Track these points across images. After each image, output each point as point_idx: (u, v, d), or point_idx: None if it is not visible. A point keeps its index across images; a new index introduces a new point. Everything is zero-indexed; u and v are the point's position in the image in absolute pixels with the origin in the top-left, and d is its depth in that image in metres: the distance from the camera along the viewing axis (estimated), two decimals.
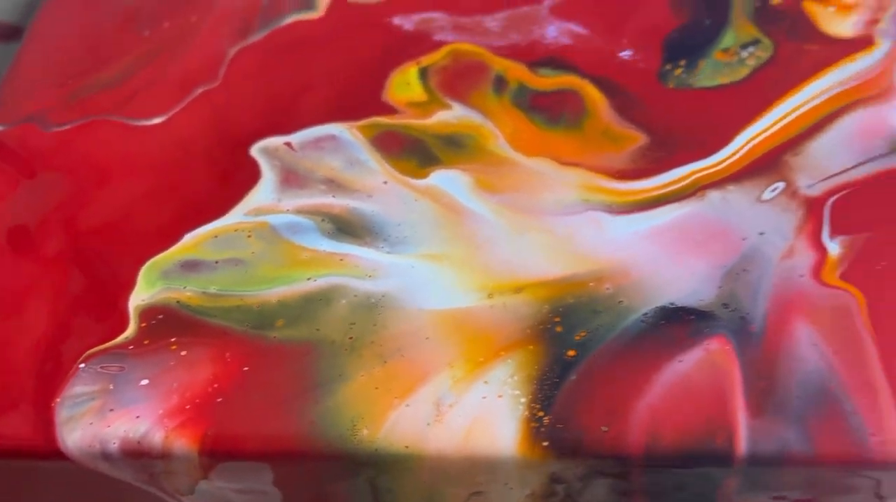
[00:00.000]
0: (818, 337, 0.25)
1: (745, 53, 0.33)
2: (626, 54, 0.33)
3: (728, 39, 0.34)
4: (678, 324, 0.25)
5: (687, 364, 0.24)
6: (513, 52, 0.33)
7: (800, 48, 0.33)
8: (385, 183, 0.29)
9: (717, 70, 0.32)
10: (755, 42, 0.33)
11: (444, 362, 0.24)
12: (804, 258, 0.26)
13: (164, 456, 0.23)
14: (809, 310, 0.25)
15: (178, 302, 0.26)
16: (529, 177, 0.29)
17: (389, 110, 0.31)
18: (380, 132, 0.30)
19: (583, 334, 0.25)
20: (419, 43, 0.33)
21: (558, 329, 0.25)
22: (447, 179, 0.29)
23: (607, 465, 0.23)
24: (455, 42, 0.33)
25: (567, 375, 0.24)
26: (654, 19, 0.34)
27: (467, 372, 0.24)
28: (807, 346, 0.24)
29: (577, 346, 0.24)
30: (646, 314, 0.25)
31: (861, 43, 0.33)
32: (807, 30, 0.34)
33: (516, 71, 0.32)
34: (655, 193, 0.28)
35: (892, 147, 0.29)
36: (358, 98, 0.31)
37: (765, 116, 0.31)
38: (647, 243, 0.27)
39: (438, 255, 0.27)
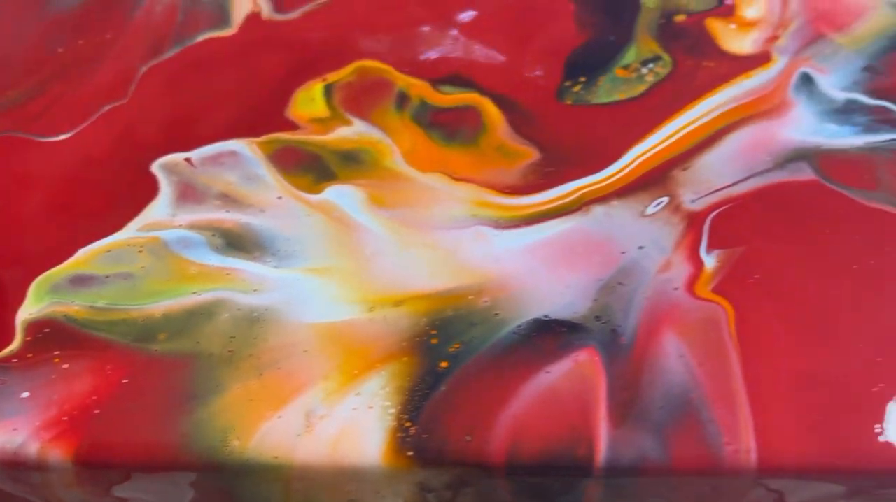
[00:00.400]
0: (685, 348, 0.25)
1: (644, 70, 0.34)
2: (530, 73, 0.34)
3: (630, 56, 0.34)
4: (550, 336, 0.26)
5: (554, 375, 0.25)
6: (418, 70, 0.34)
7: (698, 64, 0.34)
8: (279, 198, 0.29)
9: (615, 86, 0.33)
10: (656, 58, 0.34)
11: (320, 374, 0.25)
12: (680, 271, 0.27)
13: (40, 466, 0.24)
14: (680, 323, 0.26)
15: (65, 315, 0.26)
16: (422, 193, 0.30)
17: (291, 126, 0.32)
18: (279, 148, 0.31)
19: (456, 346, 0.25)
20: (328, 59, 0.34)
21: (434, 341, 0.26)
22: (341, 194, 0.29)
23: (471, 474, 0.24)
24: (363, 59, 0.34)
25: (437, 386, 0.25)
26: (558, 37, 0.35)
27: (341, 383, 0.25)
28: (674, 358, 0.25)
29: (449, 358, 0.25)
30: (519, 326, 0.26)
31: (759, 59, 0.34)
32: (707, 46, 0.35)
33: (419, 88, 0.33)
34: (541, 208, 0.29)
35: (777, 162, 0.30)
36: (262, 114, 0.32)
37: (657, 132, 0.31)
38: (529, 257, 0.28)
39: (324, 269, 0.27)
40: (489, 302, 0.26)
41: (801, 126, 0.32)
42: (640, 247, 0.28)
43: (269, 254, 0.28)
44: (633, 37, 0.35)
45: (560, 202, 0.29)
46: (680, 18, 0.36)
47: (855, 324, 0.26)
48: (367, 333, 0.26)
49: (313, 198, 0.29)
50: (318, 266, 0.27)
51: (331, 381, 0.25)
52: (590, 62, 0.34)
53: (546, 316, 0.26)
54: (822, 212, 0.29)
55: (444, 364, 0.25)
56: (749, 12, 0.36)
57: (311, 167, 0.30)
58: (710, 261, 0.27)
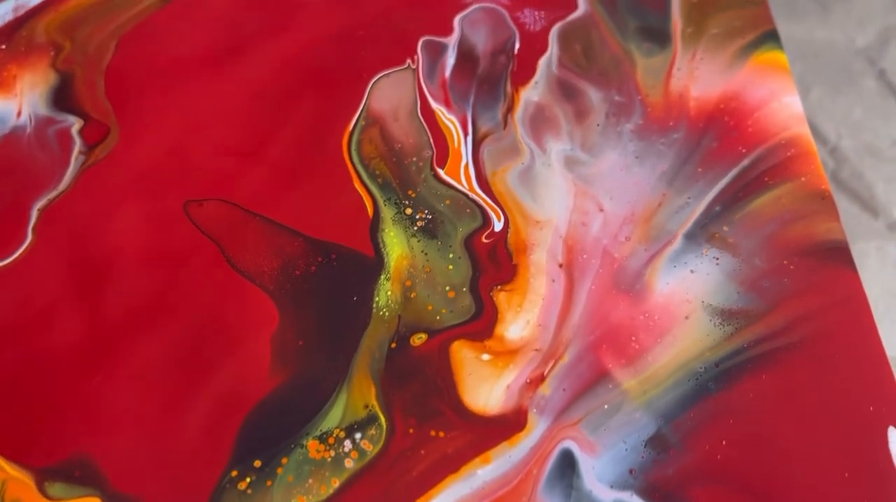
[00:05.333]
0: None
1: (348, 444, 0.24)
2: (185, 457, 0.24)
3: (333, 417, 0.25)
4: None
5: None
6: (28, 451, 0.24)
7: (423, 435, 0.25)
8: None
9: (299, 479, 0.24)
10: (368, 421, 0.25)
11: None
12: None
13: None
14: None
15: None
16: None
17: None
18: None
19: None
20: None
21: None
22: None
23: None
24: None
25: None
26: (235, 384, 0.25)
27: None
28: None
29: None
30: None
31: (509, 424, 0.25)
32: (442, 397, 0.25)
33: (19, 487, 0.23)
34: None
35: None
36: None
37: None
38: None
39: None
40: None
41: None
42: None
43: None
44: (347, 378, 0.26)
45: None
46: (419, 341, 0.26)
47: None
48: None
49: None
50: None
51: None
52: (273, 430, 0.25)
53: None
54: None
55: None
56: (512, 331, 0.26)
57: None
58: None
